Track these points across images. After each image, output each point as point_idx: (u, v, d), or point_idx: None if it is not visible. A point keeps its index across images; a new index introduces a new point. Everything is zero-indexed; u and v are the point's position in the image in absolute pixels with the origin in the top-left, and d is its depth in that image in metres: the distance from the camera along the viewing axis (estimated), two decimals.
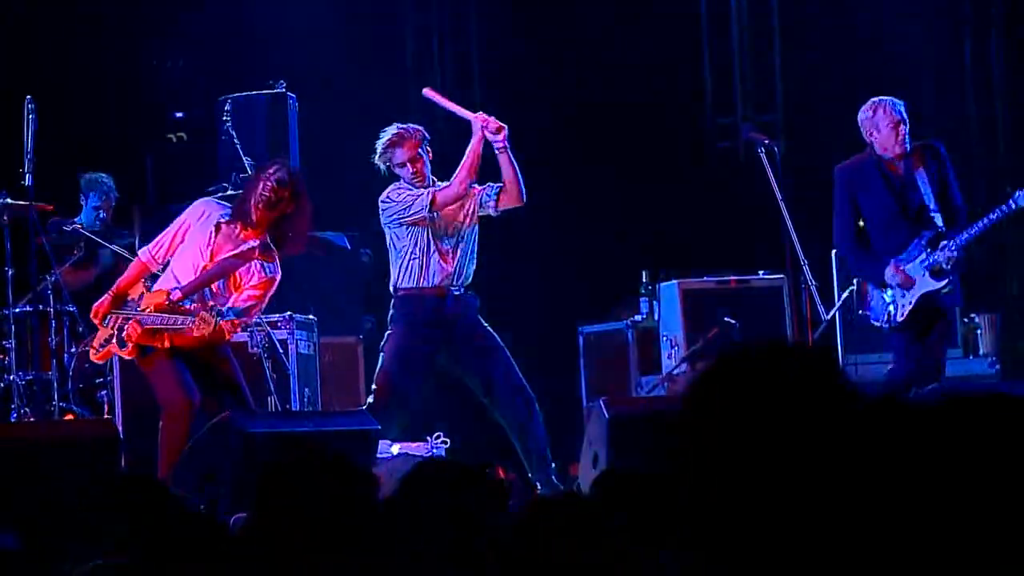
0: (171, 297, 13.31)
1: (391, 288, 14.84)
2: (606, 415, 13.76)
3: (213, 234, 13.43)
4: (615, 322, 17.12)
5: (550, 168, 18.50)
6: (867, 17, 20.44)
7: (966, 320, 16.81)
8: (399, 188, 14.55)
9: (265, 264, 13.52)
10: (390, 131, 14.66)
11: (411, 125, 14.84)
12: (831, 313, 15.59)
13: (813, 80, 20.18)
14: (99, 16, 17.68)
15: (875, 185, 14.87)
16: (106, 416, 14.28)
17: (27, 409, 14.34)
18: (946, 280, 14.47)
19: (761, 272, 16.43)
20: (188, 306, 13.36)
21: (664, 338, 16.48)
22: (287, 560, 5.39)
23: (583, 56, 20.87)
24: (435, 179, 14.62)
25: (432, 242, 14.52)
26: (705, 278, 16.54)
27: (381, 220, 14.64)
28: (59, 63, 17.18)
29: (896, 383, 14.43)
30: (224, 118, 15.85)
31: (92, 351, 13.46)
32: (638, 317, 16.78)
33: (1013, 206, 14.48)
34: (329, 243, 15.20)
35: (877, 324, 14.79)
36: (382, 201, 14.57)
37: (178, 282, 13.44)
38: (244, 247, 13.40)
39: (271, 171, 13.53)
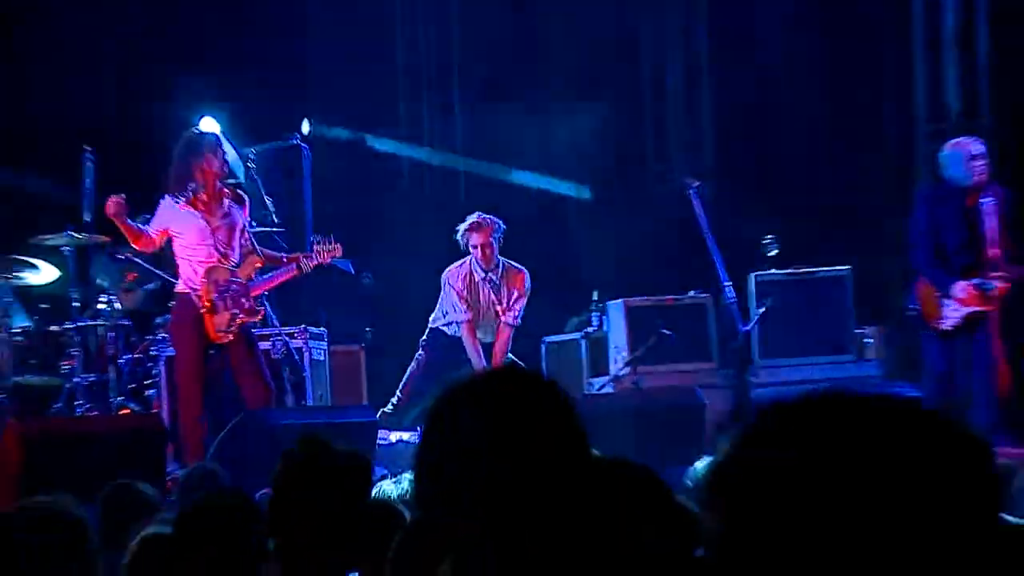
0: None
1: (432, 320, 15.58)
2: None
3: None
4: (572, 333, 17.21)
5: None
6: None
7: (858, 331, 16.67)
8: (458, 285, 15.36)
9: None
10: (472, 218, 15.25)
11: (491, 217, 15.31)
12: (749, 325, 15.59)
13: (736, 133, 19.90)
14: (150, 81, 17.46)
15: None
16: (154, 410, 14.39)
17: (90, 405, 14.43)
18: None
19: (691, 292, 16.45)
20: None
21: (612, 346, 16.48)
22: (300, 529, 5.31)
23: None
24: (502, 259, 15.38)
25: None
26: (645, 297, 16.45)
27: (443, 279, 15.47)
28: (112, 117, 16.98)
29: (935, 390, 14.35)
30: (249, 164, 15.79)
31: (221, 335, 13.60)
32: (590, 329, 16.86)
33: None
34: (337, 268, 15.34)
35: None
36: (447, 277, 15.45)
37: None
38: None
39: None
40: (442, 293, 15.36)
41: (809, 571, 2.53)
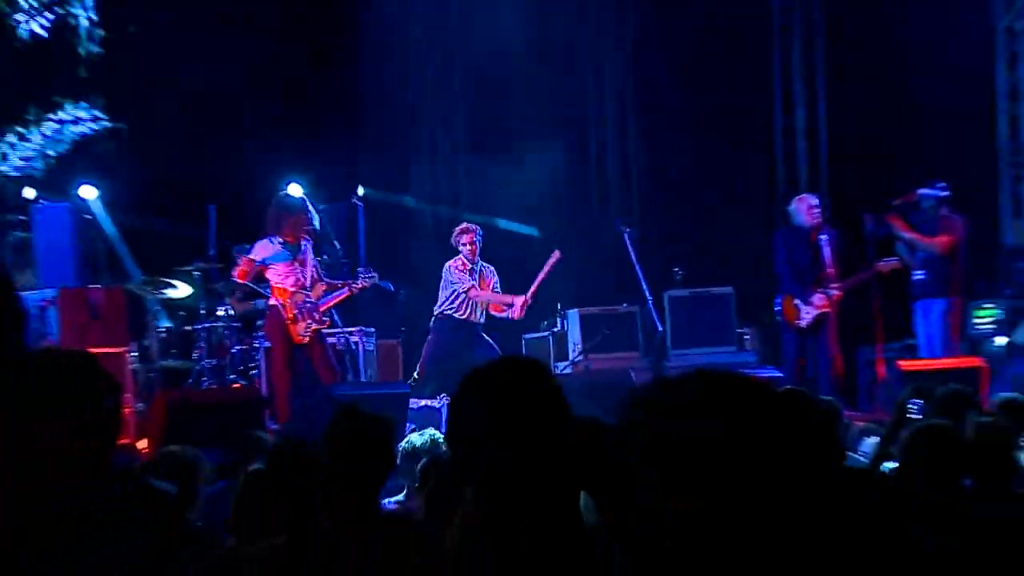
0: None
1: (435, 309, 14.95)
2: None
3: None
4: (542, 332, 16.70)
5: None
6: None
7: (739, 331, 16.27)
8: (457, 268, 14.74)
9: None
10: (463, 225, 14.96)
11: (473, 224, 15.05)
12: (666, 324, 15.54)
13: (656, 188, 19.40)
14: (252, 154, 17.29)
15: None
16: (255, 385, 14.43)
17: (212, 382, 14.39)
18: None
19: (624, 304, 16.08)
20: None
21: (570, 341, 16.16)
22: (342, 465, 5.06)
23: None
24: (480, 260, 14.87)
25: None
26: (593, 307, 16.15)
27: (444, 271, 14.78)
28: (226, 180, 16.83)
29: (791, 371, 14.40)
30: (323, 221, 15.50)
31: (301, 337, 13.47)
32: (555, 329, 16.44)
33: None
34: (382, 287, 15.32)
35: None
36: (447, 268, 14.77)
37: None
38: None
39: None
40: (443, 282, 14.83)
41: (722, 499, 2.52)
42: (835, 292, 14.51)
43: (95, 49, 17.61)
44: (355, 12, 19.49)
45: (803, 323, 14.63)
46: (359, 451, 5.06)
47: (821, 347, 14.67)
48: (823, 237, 14.66)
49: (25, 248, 15.30)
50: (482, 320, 14.93)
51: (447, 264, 14.86)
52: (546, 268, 14.83)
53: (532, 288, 14.82)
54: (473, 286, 14.77)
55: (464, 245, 14.82)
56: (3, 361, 4.48)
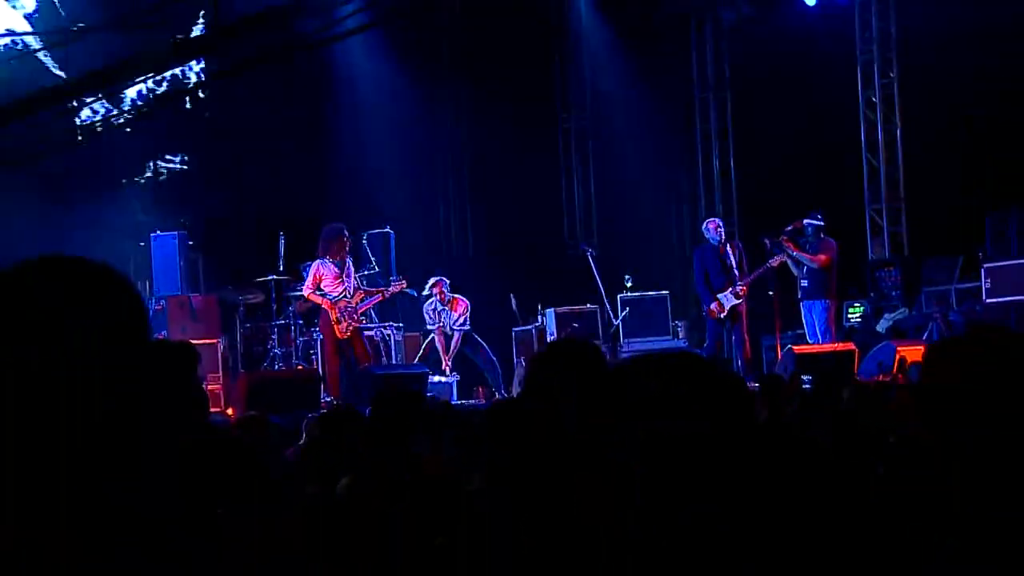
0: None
1: None
2: (524, 366, 13.88)
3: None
4: (528, 326, 16.19)
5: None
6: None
7: (673, 323, 15.89)
8: (428, 312, 15.00)
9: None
10: (432, 280, 15.11)
11: (440, 277, 15.18)
12: (619, 320, 15.42)
13: (612, 218, 19.29)
14: (311, 191, 17.35)
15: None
16: (314, 367, 14.41)
17: (281, 365, 14.19)
18: (741, 301, 14.39)
19: (588, 304, 15.55)
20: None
21: (548, 334, 15.51)
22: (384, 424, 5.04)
23: None
24: (449, 296, 15.06)
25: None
26: (566, 307, 15.66)
27: (423, 308, 14.91)
28: (291, 210, 16.84)
29: (711, 351, 14.39)
30: (363, 242, 15.46)
31: (341, 334, 13.27)
32: (536, 324, 15.99)
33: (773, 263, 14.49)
34: (408, 293, 15.30)
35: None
36: (424, 308, 14.93)
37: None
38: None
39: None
40: (427, 317, 15.17)
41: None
42: (741, 287, 14.45)
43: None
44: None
45: (722, 315, 14.53)
46: (397, 408, 5.06)
47: (736, 335, 14.65)
48: (729, 252, 14.67)
49: (144, 265, 15.35)
50: (467, 326, 15.07)
51: (424, 305, 15.09)
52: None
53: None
54: (433, 331, 15.02)
55: (435, 294, 15.01)
56: (181, 441, 3.81)
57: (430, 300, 15.16)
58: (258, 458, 4.44)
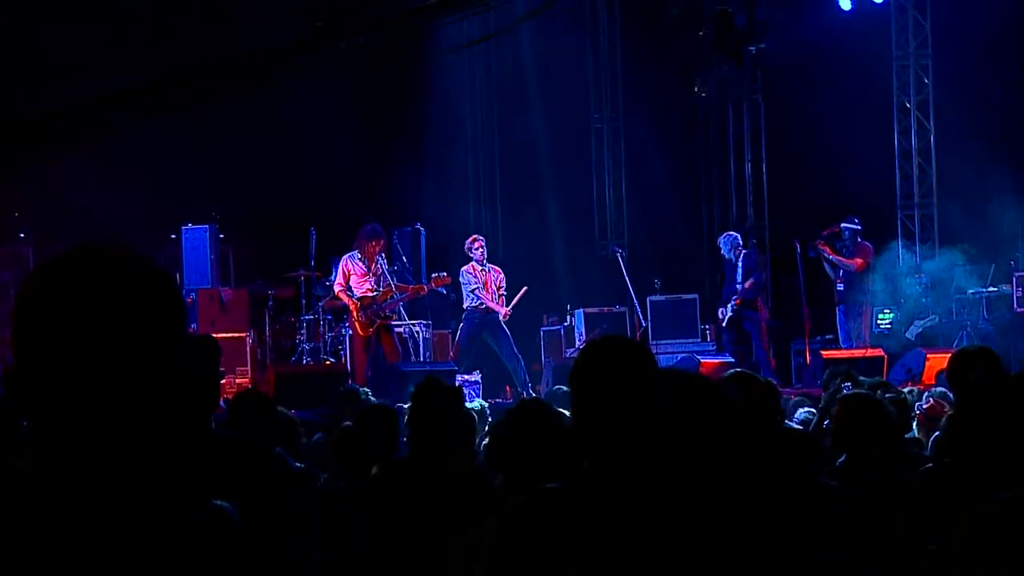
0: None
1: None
2: (552, 364, 14.01)
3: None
4: (556, 326, 16.47)
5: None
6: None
7: (702, 327, 15.55)
8: (468, 271, 14.33)
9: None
10: (472, 236, 14.64)
11: (481, 235, 14.84)
12: (647, 323, 15.41)
13: (642, 220, 19.13)
14: (343, 189, 17.38)
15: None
16: (342, 362, 14.44)
17: (310, 359, 14.38)
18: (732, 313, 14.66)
19: (617, 306, 15.83)
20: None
21: (576, 333, 15.83)
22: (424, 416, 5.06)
23: None
24: (488, 264, 14.48)
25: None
26: (594, 308, 15.86)
27: (460, 276, 14.35)
28: (322, 208, 16.81)
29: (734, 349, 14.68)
30: (394, 239, 15.40)
31: (363, 331, 13.43)
32: (565, 324, 16.22)
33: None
34: (440, 293, 15.31)
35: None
36: (462, 272, 14.35)
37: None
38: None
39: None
40: (462, 283, 14.35)
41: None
42: (736, 299, 14.71)
43: None
44: (423, 86, 19.17)
45: (723, 325, 14.94)
46: (440, 402, 5.10)
47: (755, 341, 14.76)
48: (739, 261, 14.92)
49: (175, 258, 15.43)
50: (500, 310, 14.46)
51: (461, 269, 14.47)
52: (518, 296, 14.45)
53: (509, 307, 14.37)
54: (477, 287, 14.31)
55: (475, 251, 14.43)
56: (187, 443, 3.79)
57: (467, 265, 14.58)
58: (262, 455, 4.44)
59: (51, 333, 1.60)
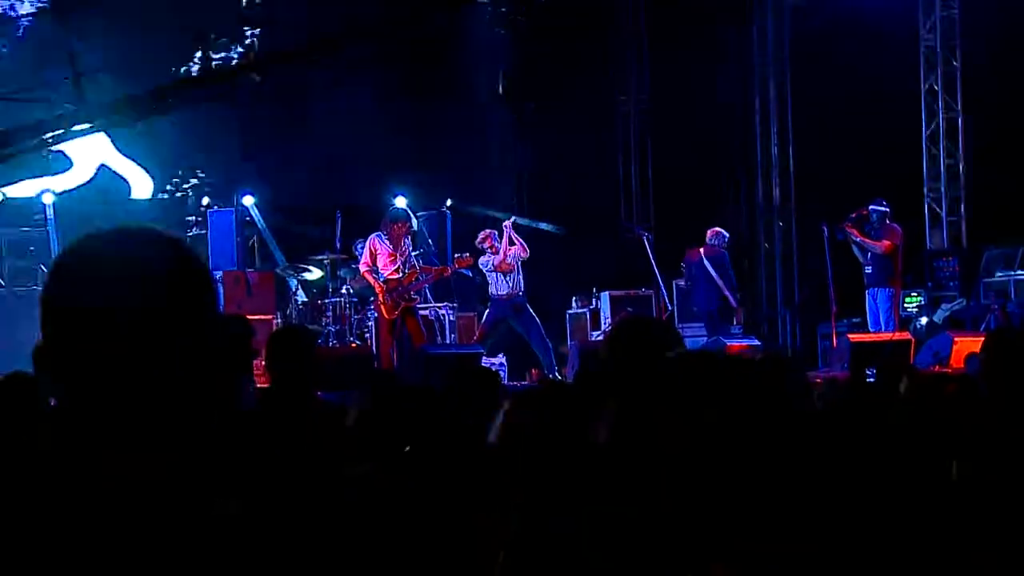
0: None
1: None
2: (578, 347, 13.87)
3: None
4: (582, 309, 16.53)
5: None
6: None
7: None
8: (488, 253, 14.31)
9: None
10: (484, 232, 14.57)
11: (493, 231, 14.66)
12: (672, 307, 15.63)
13: (675, 201, 18.81)
14: (371, 177, 17.46)
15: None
16: (367, 344, 14.42)
17: (336, 342, 14.38)
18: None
19: (643, 288, 15.92)
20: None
21: (603, 316, 15.99)
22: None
23: None
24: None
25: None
26: (619, 291, 16.01)
27: (481, 267, 14.35)
28: (347, 193, 16.74)
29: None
30: (420, 222, 15.31)
31: (388, 314, 13.34)
32: (591, 307, 16.30)
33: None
34: (464, 275, 15.31)
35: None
36: (481, 263, 14.28)
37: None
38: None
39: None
40: (484, 270, 14.28)
41: None
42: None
43: None
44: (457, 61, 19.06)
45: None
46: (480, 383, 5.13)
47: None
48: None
49: (201, 241, 15.44)
50: (521, 292, 14.33)
51: (480, 259, 14.39)
52: (507, 231, 14.33)
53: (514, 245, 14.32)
54: (501, 260, 14.19)
55: (487, 245, 14.41)
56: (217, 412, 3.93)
57: (483, 256, 14.48)
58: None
59: (87, 298, 1.61)
